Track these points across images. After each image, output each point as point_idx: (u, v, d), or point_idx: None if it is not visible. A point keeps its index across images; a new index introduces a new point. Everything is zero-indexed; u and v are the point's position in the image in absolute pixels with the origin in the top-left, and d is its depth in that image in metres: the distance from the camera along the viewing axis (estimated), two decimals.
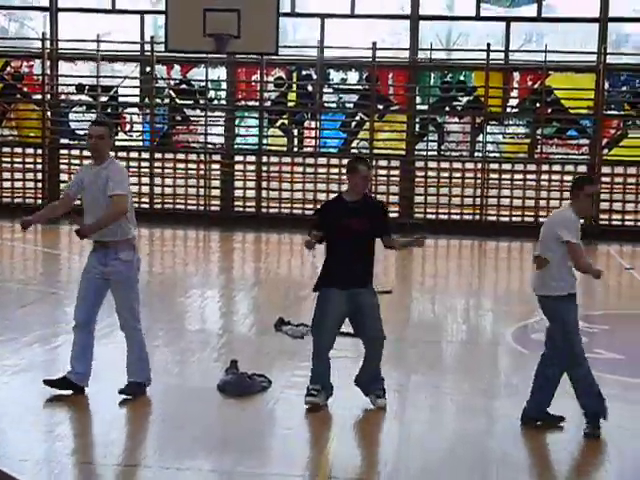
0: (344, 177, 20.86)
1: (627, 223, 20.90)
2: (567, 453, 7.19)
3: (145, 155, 22.03)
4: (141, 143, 22.44)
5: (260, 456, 6.91)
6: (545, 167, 21.36)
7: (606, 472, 6.81)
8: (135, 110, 22.81)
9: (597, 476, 6.81)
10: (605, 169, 21.21)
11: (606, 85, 21.30)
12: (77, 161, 22.10)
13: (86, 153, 22.05)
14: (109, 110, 22.65)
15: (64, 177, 22.10)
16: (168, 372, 9.01)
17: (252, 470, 6.55)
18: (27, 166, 22.15)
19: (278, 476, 6.48)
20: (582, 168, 21.12)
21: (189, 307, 12.82)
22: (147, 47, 21.74)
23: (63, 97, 22.64)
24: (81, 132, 22.63)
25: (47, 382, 8.03)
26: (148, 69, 21.91)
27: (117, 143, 22.37)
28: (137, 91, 22.64)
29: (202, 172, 22.00)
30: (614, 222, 20.88)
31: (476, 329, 12.08)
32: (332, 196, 8.90)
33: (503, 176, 21.46)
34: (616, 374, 9.05)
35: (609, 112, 21.75)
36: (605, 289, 14.16)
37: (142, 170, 21.88)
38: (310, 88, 22.26)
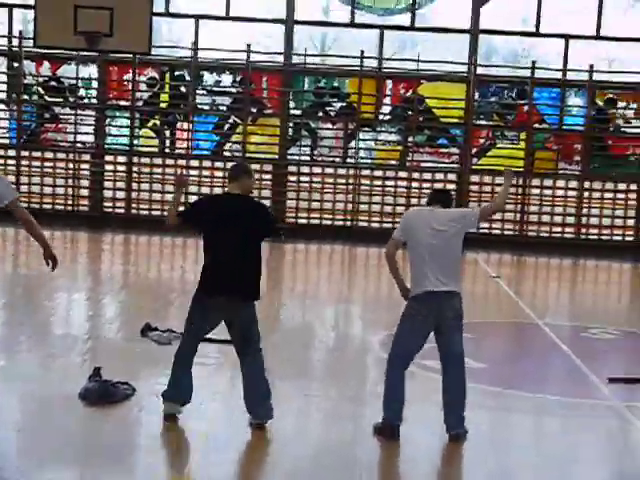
0: (216, 180, 20.90)
1: (494, 232, 21.35)
2: (428, 461, 7.25)
3: (11, 153, 21.50)
4: (7, 141, 21.87)
5: (122, 468, 6.75)
6: (416, 175, 21.65)
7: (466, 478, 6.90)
8: (2, 106, 22.21)
9: None
10: (474, 177, 21.65)
11: (476, 95, 21.74)
12: None
13: None
14: None
15: None
16: (29, 378, 8.74)
17: None
18: None
19: None
20: (452, 176, 21.50)
21: (54, 310, 12.52)
22: (15, 42, 21.22)
23: None
24: None
25: None
26: (16, 64, 21.37)
27: None
28: (4, 87, 22.06)
29: (71, 171, 21.57)
30: (481, 230, 21.28)
31: (345, 336, 12.12)
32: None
33: (375, 182, 21.67)
34: (482, 383, 9.18)
35: (479, 122, 22.20)
36: (472, 298, 14.40)
37: (8, 168, 21.33)
38: (183, 89, 22.08)
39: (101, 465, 6.66)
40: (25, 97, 21.79)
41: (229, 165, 21.01)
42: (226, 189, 7.88)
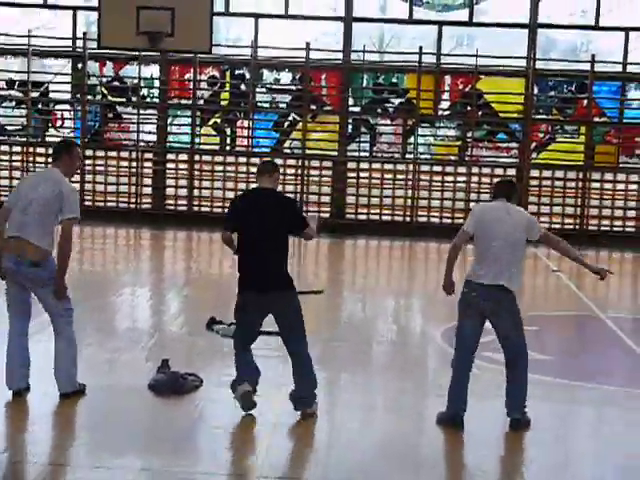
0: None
1: (554, 226, 21.24)
2: (492, 452, 7.32)
3: None
4: (63, 139, 22.21)
5: (191, 455, 6.91)
6: (475, 169, 21.64)
7: (530, 470, 6.94)
8: (66, 107, 22.61)
9: (521, 473, 6.93)
10: (533, 172, 21.58)
11: (535, 90, 21.67)
12: (6, 157, 21.87)
13: (16, 149, 21.87)
14: (40, 106, 22.42)
15: None
16: (98, 372, 8.96)
17: (183, 469, 6.56)
18: None
19: (208, 475, 6.50)
20: (511, 171, 21.45)
21: (120, 306, 12.77)
22: (79, 43, 21.59)
23: None
24: (10, 127, 22.39)
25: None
26: (80, 65, 21.75)
27: (47, 139, 22.21)
28: (68, 87, 22.46)
29: (134, 170, 21.89)
30: (542, 225, 21.13)
31: (406, 329, 12.21)
32: None
33: (434, 178, 21.69)
34: (543, 374, 9.22)
35: (538, 116, 22.11)
36: (533, 291, 14.42)
37: None
38: (243, 87, 22.28)
39: (170, 453, 6.82)
40: (89, 97, 22.15)
41: (289, 162, 21.30)
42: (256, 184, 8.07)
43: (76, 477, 6.41)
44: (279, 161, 21.09)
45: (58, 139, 22.02)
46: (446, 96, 22.26)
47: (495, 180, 20.69)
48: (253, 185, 20.60)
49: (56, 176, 7.92)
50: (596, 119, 22.01)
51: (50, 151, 21.17)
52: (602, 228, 21.70)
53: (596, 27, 21.94)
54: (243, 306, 7.81)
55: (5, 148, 21.97)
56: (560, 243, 8.02)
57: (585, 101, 21.76)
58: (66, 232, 7.85)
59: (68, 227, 7.82)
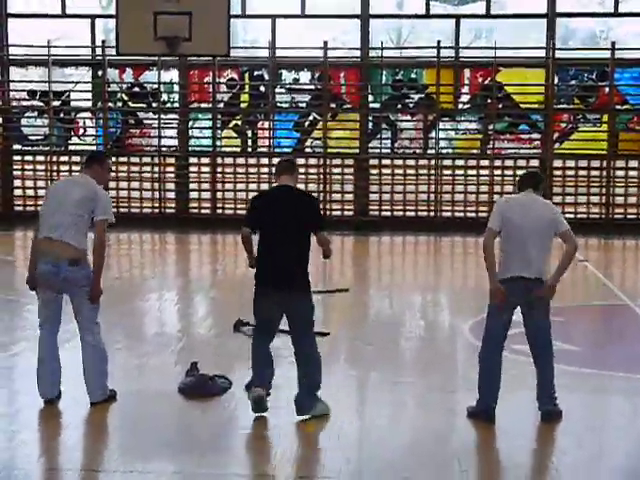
0: (300, 176, 21.05)
1: (579, 216, 21.14)
2: (524, 444, 7.30)
3: None
4: (95, 147, 22.33)
5: (222, 458, 6.95)
6: (498, 162, 21.55)
7: (562, 462, 6.92)
8: (88, 114, 22.71)
9: (554, 465, 6.91)
10: (557, 163, 21.47)
11: (555, 79, 21.56)
12: (30, 167, 22.00)
13: (39, 158, 21.99)
14: (62, 115, 22.54)
15: (17, 183, 22.00)
16: (128, 376, 9.01)
17: (215, 471, 6.59)
18: None
19: (240, 477, 6.53)
20: (534, 162, 21.35)
21: (147, 310, 12.83)
22: (98, 51, 21.68)
23: (15, 103, 22.51)
24: (33, 138, 22.52)
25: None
26: (100, 73, 21.83)
27: (70, 148, 22.32)
28: (89, 95, 22.56)
29: (156, 175, 21.96)
30: (567, 215, 21.08)
31: (434, 324, 12.19)
32: None
33: (456, 172, 21.63)
34: (572, 365, 9.19)
35: (559, 106, 22.00)
36: (561, 282, 14.32)
37: None
38: (262, 89, 22.31)
39: (201, 456, 6.85)
40: (110, 104, 22.23)
41: (311, 162, 21.27)
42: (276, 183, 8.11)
43: None
44: (301, 161, 21.14)
45: (81, 147, 22.19)
46: (466, 89, 22.18)
47: (519, 172, 20.73)
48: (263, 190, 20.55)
49: (89, 180, 8.03)
50: (618, 107, 21.86)
51: (73, 159, 21.18)
52: (628, 216, 21.56)
53: (615, 14, 21.80)
54: (259, 299, 7.86)
55: (29, 158, 22.09)
56: (574, 250, 7.91)
57: (607, 89, 21.63)
58: (100, 233, 7.92)
59: (102, 228, 7.91)
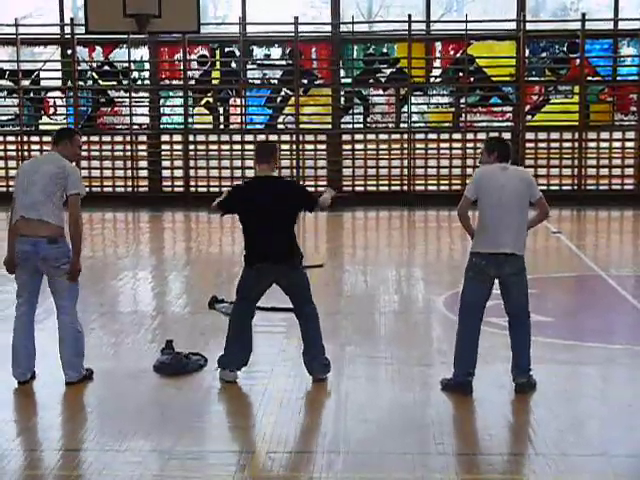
0: None
1: (552, 188, 21.24)
2: (499, 416, 7.34)
3: None
4: (65, 127, 22.18)
5: (198, 434, 6.95)
6: (470, 135, 21.60)
7: (537, 432, 6.96)
8: (58, 94, 22.56)
9: (529, 436, 6.96)
10: (529, 135, 21.55)
11: (527, 52, 21.60)
12: (1, 147, 21.85)
13: (10, 139, 21.83)
14: (31, 94, 22.37)
15: None
16: (103, 355, 8.99)
17: (191, 448, 6.59)
18: None
19: (217, 453, 6.52)
20: (507, 135, 21.39)
21: (121, 289, 12.79)
22: (67, 29, 21.51)
23: None
24: (3, 118, 22.35)
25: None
26: (69, 51, 21.66)
27: (41, 127, 22.17)
28: (59, 74, 22.40)
29: (129, 153, 21.86)
30: (540, 187, 21.08)
31: (408, 298, 12.23)
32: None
33: (429, 146, 21.67)
34: (546, 336, 9.24)
35: (530, 78, 22.05)
36: (533, 254, 14.40)
37: None
38: (234, 65, 22.23)
39: (178, 434, 6.84)
40: (80, 83, 22.09)
41: (283, 138, 21.25)
42: (257, 172, 8.16)
43: (87, 461, 6.44)
44: (273, 137, 21.10)
45: (51, 127, 22.02)
46: (438, 63, 22.19)
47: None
48: (248, 162, 20.57)
49: (57, 157, 7.97)
50: (589, 78, 21.94)
51: (44, 139, 21.05)
52: (600, 187, 21.68)
53: None
54: (252, 275, 7.96)
55: None
56: (546, 216, 7.99)
57: (577, 60, 21.69)
58: (74, 208, 7.87)
59: (75, 203, 7.86)
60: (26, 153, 21.67)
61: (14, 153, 21.85)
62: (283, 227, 7.96)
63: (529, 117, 21.96)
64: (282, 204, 7.90)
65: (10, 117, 22.44)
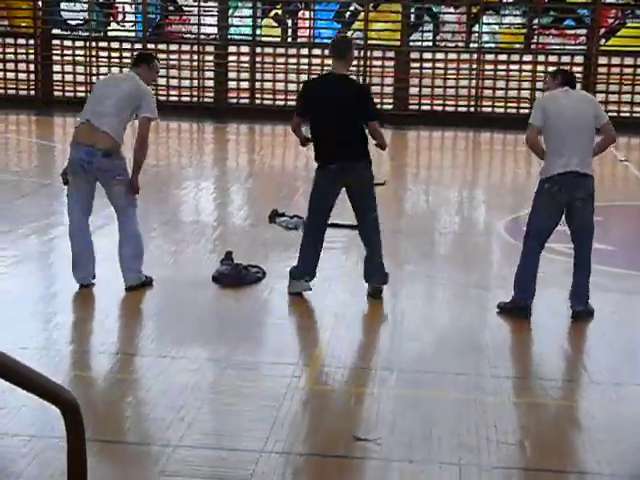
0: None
1: (622, 115, 20.82)
2: (554, 342, 7.32)
3: (138, 46, 21.71)
4: (134, 34, 22.18)
5: (254, 345, 7.02)
6: (541, 58, 21.18)
7: (593, 361, 6.93)
8: (128, 0, 22.48)
9: (583, 364, 6.94)
10: (602, 59, 21.06)
11: None
12: (69, 52, 21.89)
13: (78, 44, 21.87)
14: (101, 0, 22.34)
15: (57, 68, 21.91)
16: (163, 263, 9.08)
17: (246, 358, 6.66)
18: (19, 57, 21.90)
19: (272, 364, 6.59)
20: (579, 58, 20.96)
21: (184, 199, 12.88)
22: None
23: None
24: (73, 22, 22.38)
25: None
26: None
27: (109, 34, 22.18)
28: None
29: (195, 63, 21.81)
30: (610, 114, 20.74)
31: (469, 220, 12.16)
32: None
33: (498, 67, 21.30)
34: (609, 265, 9.16)
35: (607, 1, 21.49)
36: (599, 181, 14.18)
37: None
38: None
39: (234, 343, 6.92)
40: None
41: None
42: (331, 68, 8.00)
43: (142, 366, 6.56)
44: None
45: (120, 33, 22.02)
46: None
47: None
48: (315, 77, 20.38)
49: (136, 78, 8.00)
50: None
51: (112, 45, 21.06)
52: None
53: None
54: (326, 180, 7.88)
55: (68, 43, 21.96)
56: (613, 140, 7.85)
57: None
58: (143, 130, 7.94)
59: (146, 125, 7.91)
60: (94, 59, 21.71)
61: (82, 59, 21.88)
62: (352, 127, 7.76)
63: (603, 41, 21.46)
64: (349, 105, 7.72)
65: (79, 22, 22.47)
